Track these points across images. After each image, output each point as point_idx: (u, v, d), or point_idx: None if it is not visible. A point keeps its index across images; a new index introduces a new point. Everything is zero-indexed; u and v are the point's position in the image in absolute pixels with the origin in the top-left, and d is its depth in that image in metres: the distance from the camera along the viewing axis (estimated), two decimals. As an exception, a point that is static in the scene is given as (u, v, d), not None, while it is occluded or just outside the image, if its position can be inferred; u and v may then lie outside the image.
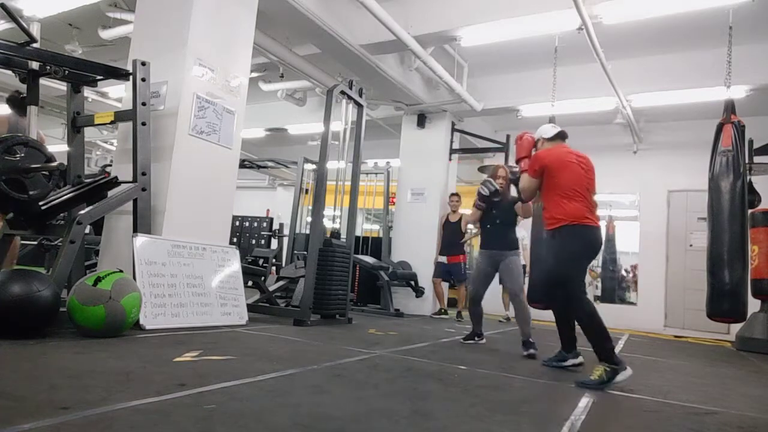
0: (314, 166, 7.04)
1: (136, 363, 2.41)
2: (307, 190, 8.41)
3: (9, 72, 3.65)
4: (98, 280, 3.03)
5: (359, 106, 5.61)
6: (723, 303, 5.09)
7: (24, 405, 1.62)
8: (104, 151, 12.45)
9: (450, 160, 8.59)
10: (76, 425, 1.48)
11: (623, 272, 9.78)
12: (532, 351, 4.01)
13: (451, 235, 7.61)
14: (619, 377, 2.84)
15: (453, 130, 8.60)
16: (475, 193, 4.63)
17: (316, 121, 7.90)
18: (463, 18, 5.85)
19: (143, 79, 3.82)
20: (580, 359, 3.54)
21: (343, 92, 5.34)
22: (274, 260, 8.70)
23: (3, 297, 2.67)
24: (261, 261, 7.61)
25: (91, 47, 7.25)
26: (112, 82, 5.01)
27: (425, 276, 7.80)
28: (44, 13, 5.66)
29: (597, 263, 9.54)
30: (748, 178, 5.46)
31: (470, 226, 8.09)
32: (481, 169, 8.01)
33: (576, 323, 3.23)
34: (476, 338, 4.62)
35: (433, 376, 2.85)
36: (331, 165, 5.48)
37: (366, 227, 11.62)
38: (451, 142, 8.57)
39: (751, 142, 6.03)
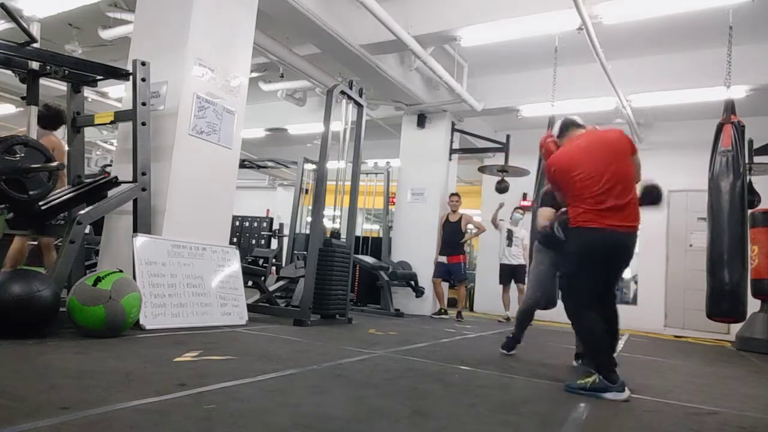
0: (314, 166, 7.04)
1: (136, 363, 2.41)
2: (307, 190, 8.41)
3: (9, 72, 3.65)
4: (98, 280, 3.03)
5: (359, 106, 5.61)
6: (723, 303, 5.09)
7: (24, 405, 1.62)
8: (104, 151, 12.45)
9: (450, 160, 8.59)
10: (76, 425, 1.48)
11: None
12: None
13: (451, 235, 7.62)
14: (608, 395, 2.57)
15: (453, 130, 8.60)
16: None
17: (316, 121, 7.89)
18: (463, 18, 5.85)
19: (143, 79, 3.82)
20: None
21: (343, 92, 5.34)
22: (274, 260, 8.71)
23: (3, 297, 2.67)
24: (261, 261, 7.62)
25: (91, 47, 7.25)
26: (112, 82, 5.01)
27: (425, 276, 7.80)
28: (44, 13, 5.66)
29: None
30: (747, 178, 5.46)
31: (470, 225, 8.10)
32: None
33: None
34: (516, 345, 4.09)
35: (433, 376, 2.84)
36: (331, 165, 5.48)
37: (366, 227, 11.63)
38: (451, 142, 8.57)
39: (751, 142, 6.03)
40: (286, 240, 8.58)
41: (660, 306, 8.61)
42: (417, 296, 7.78)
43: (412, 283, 7.77)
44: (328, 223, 7.21)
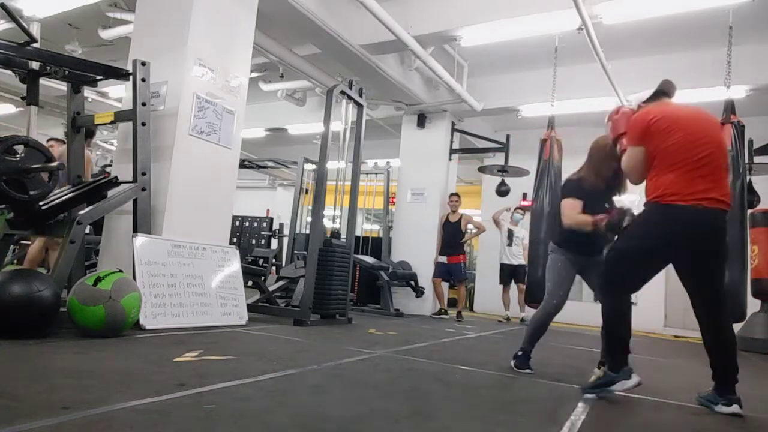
0: (314, 166, 7.04)
1: (136, 363, 2.41)
2: (307, 190, 8.41)
3: (9, 72, 3.65)
4: (98, 280, 3.03)
5: (359, 106, 5.61)
6: (723, 303, 5.09)
7: (24, 405, 1.62)
8: (104, 151, 12.44)
9: (450, 160, 8.59)
10: (76, 425, 1.48)
11: None
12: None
13: (451, 235, 7.62)
14: (617, 386, 2.51)
15: (453, 130, 8.60)
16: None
17: (316, 121, 7.90)
18: (463, 18, 5.85)
19: (143, 79, 3.82)
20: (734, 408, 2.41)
21: (343, 92, 5.34)
22: (274, 260, 8.71)
23: (3, 297, 2.67)
24: (261, 261, 7.62)
25: (91, 47, 7.25)
26: (112, 82, 5.02)
27: (425, 276, 7.80)
28: (44, 13, 5.66)
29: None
30: (747, 178, 5.46)
31: (470, 225, 8.11)
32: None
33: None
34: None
35: (433, 376, 2.84)
36: (331, 165, 5.48)
37: (366, 227, 11.62)
38: (451, 142, 8.57)
39: (751, 142, 6.03)
40: (286, 240, 8.58)
41: (660, 306, 8.60)
42: (417, 296, 7.78)
43: (412, 283, 7.77)
44: (328, 223, 7.21)
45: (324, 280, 4.94)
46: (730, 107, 5.35)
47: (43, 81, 3.74)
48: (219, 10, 4.34)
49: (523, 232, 7.86)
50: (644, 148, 2.54)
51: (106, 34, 6.60)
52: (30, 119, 3.63)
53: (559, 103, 6.35)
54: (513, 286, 7.92)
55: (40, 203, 3.37)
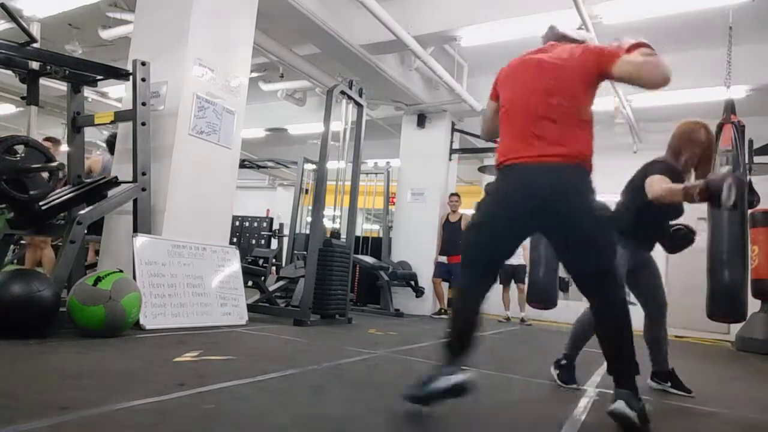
0: (314, 166, 7.03)
1: (136, 363, 2.41)
2: (307, 190, 8.41)
3: (9, 72, 3.65)
4: (98, 280, 3.02)
5: (359, 106, 5.61)
6: (723, 303, 5.09)
7: (24, 405, 1.62)
8: (104, 151, 12.44)
9: (450, 160, 8.59)
10: (76, 425, 1.48)
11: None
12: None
13: (451, 235, 7.60)
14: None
15: (453, 130, 8.60)
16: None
17: (316, 121, 7.89)
18: (463, 18, 5.84)
19: (143, 79, 3.82)
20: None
21: (343, 92, 5.34)
22: (274, 260, 8.70)
23: (3, 297, 2.67)
24: (261, 261, 7.60)
25: (91, 47, 7.25)
26: (112, 82, 5.01)
27: (425, 276, 7.80)
28: (44, 13, 5.66)
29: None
30: (747, 178, 5.46)
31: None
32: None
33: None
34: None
35: (433, 376, 2.84)
36: (331, 165, 5.47)
37: (366, 227, 11.61)
38: (451, 142, 8.56)
39: (751, 142, 6.02)
40: (286, 240, 8.58)
41: (660, 306, 8.60)
42: (417, 296, 7.78)
43: (412, 283, 7.77)
44: (328, 223, 7.21)
45: (324, 280, 4.94)
46: (730, 107, 5.35)
47: (43, 81, 3.74)
48: (219, 10, 4.33)
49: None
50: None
51: (106, 34, 6.60)
52: (30, 119, 3.63)
53: (559, 103, 6.35)
54: (513, 286, 7.91)
55: (40, 203, 3.37)
